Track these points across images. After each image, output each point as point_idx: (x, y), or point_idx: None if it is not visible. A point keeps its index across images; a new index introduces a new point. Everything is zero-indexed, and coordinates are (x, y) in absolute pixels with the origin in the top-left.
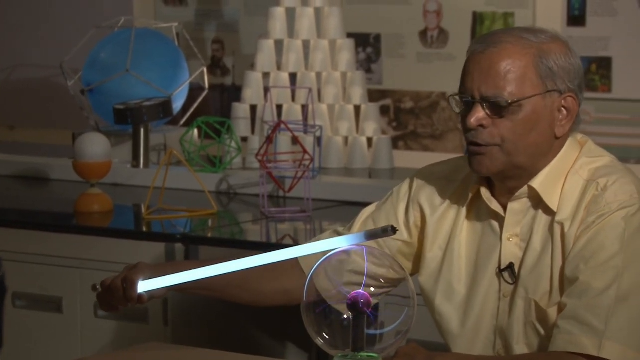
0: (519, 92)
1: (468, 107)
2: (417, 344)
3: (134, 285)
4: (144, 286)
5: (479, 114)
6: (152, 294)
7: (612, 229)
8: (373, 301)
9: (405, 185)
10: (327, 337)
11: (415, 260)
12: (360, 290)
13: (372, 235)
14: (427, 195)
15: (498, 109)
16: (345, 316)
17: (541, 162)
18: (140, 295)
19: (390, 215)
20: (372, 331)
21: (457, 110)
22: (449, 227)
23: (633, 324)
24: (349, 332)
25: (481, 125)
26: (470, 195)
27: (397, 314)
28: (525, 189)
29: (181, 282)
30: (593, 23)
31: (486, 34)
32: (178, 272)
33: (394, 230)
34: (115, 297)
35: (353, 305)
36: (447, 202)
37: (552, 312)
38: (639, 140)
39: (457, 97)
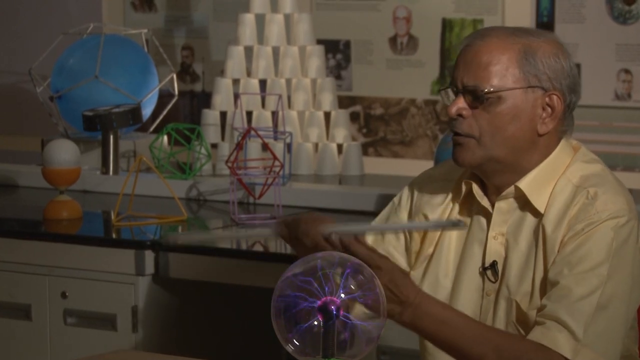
0: (499, 83)
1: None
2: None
3: (322, 223)
4: (332, 227)
5: (460, 103)
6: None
7: (601, 237)
8: (343, 305)
9: (405, 194)
10: (297, 343)
11: (416, 257)
12: (332, 297)
13: (440, 226)
14: (428, 200)
15: (477, 99)
16: (315, 323)
17: (525, 159)
18: (329, 234)
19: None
20: (342, 337)
21: (447, 102)
22: None
23: (610, 334)
24: (319, 339)
25: (461, 115)
26: (464, 189)
27: (368, 320)
28: (512, 188)
29: (371, 230)
30: (562, 29)
31: (480, 29)
32: None
33: (460, 222)
34: (302, 230)
35: (324, 311)
36: (446, 201)
37: (533, 315)
38: (607, 147)
39: (445, 89)
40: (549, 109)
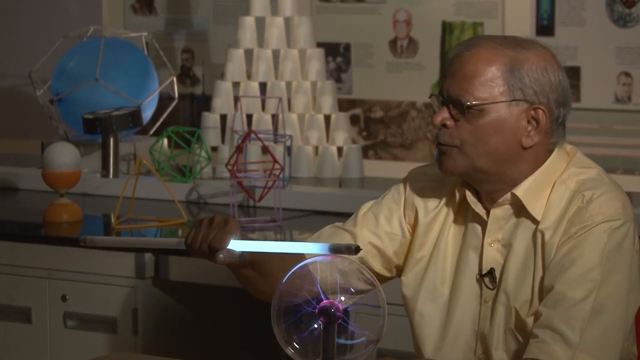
0: (482, 96)
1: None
2: (392, 357)
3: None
4: (234, 245)
5: (444, 114)
6: (232, 259)
7: (594, 241)
8: (343, 309)
9: (400, 185)
10: (297, 346)
11: (404, 260)
12: (332, 300)
13: (336, 249)
14: (421, 198)
15: (460, 110)
16: (315, 325)
17: (511, 170)
18: (228, 250)
19: (393, 208)
20: (342, 340)
21: (435, 109)
22: (438, 228)
23: (605, 338)
24: (319, 342)
25: (445, 125)
26: (458, 196)
27: (368, 323)
28: (508, 195)
29: (271, 251)
30: (562, 32)
31: (469, 38)
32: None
33: (357, 250)
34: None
35: (324, 314)
36: (439, 205)
37: (531, 321)
38: (607, 149)
39: (435, 96)
40: (534, 123)
